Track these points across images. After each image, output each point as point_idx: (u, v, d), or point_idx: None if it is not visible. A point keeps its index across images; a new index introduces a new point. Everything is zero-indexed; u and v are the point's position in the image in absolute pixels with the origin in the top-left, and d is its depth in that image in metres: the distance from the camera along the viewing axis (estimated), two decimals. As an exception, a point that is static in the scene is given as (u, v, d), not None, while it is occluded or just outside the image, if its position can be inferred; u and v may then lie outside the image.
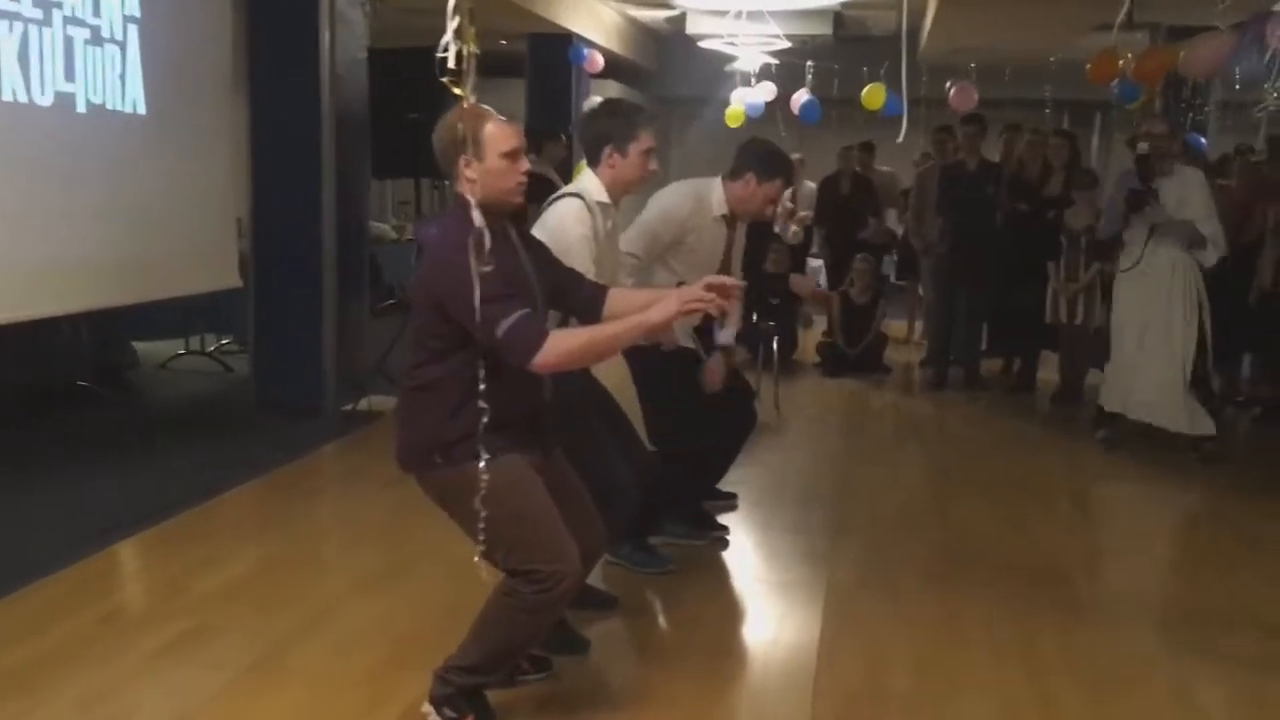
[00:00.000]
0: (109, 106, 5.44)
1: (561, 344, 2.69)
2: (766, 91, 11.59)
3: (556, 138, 7.80)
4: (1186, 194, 5.86)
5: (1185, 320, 5.89)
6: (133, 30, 5.58)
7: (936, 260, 8.52)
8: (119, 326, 7.46)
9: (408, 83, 6.59)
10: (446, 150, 2.76)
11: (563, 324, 3.08)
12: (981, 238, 8.01)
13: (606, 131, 3.50)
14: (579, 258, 3.26)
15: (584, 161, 3.67)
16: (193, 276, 6.21)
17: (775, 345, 7.93)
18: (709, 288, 2.77)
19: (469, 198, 2.72)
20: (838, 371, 8.71)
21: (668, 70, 14.84)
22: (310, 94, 6.46)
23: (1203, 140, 9.88)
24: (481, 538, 2.69)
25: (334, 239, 6.62)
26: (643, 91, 15.19)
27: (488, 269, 2.59)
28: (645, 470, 3.63)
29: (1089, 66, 8.04)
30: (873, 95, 10.32)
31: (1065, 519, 5.47)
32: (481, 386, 2.67)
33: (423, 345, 2.80)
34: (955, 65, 11.32)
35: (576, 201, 3.46)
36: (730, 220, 4.25)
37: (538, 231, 3.29)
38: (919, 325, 10.04)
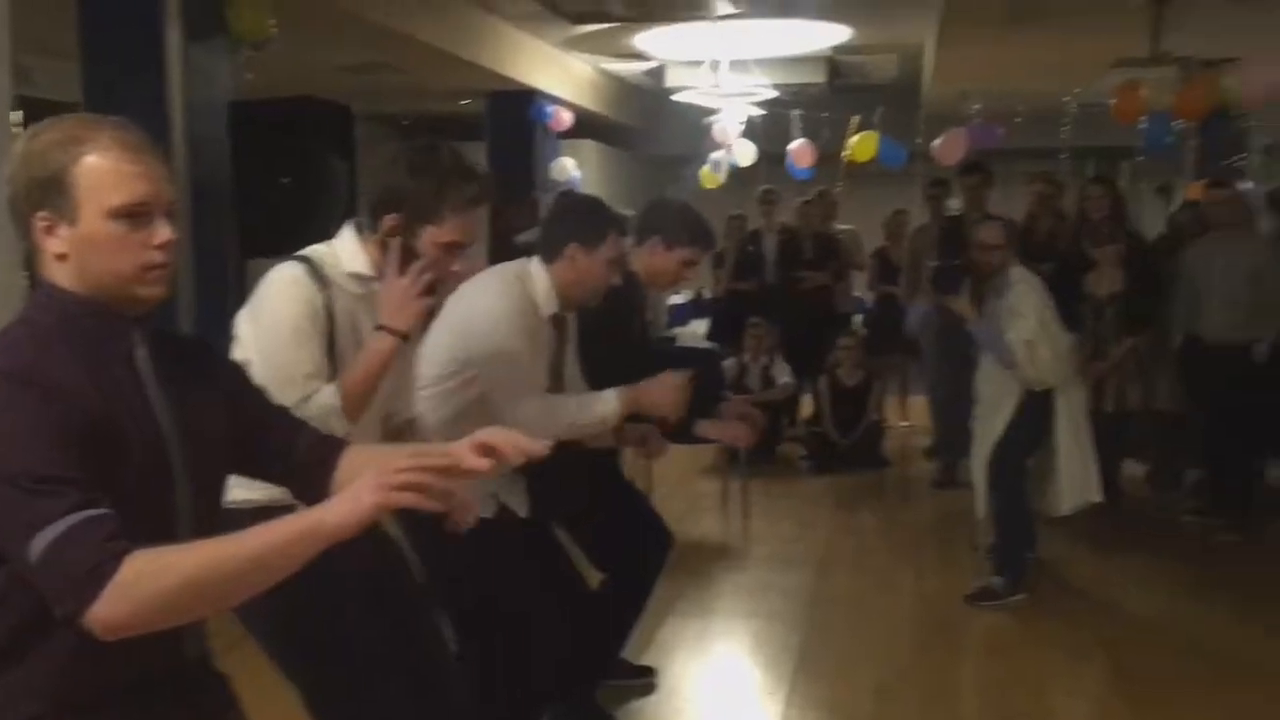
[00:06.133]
0: None
1: (144, 584, 1.45)
2: (748, 153, 10.50)
3: (520, 202, 6.72)
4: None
5: None
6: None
7: (938, 333, 7.25)
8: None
9: (284, 140, 5.48)
10: (16, 202, 1.59)
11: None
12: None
13: (577, 225, 2.98)
14: (283, 372, 2.06)
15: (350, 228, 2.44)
16: None
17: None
18: (479, 448, 1.61)
19: (57, 285, 1.61)
20: (827, 467, 7.42)
21: (653, 127, 13.77)
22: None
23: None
24: None
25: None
26: (624, 150, 14.14)
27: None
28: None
29: (1113, 103, 6.85)
30: (863, 146, 9.12)
31: None
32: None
33: None
34: (962, 114, 10.24)
35: (291, 269, 2.28)
36: (559, 321, 3.06)
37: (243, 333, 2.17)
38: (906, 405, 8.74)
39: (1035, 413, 4.76)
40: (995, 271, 4.82)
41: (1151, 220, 9.04)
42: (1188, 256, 6.11)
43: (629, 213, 4.06)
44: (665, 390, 2.92)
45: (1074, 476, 4.77)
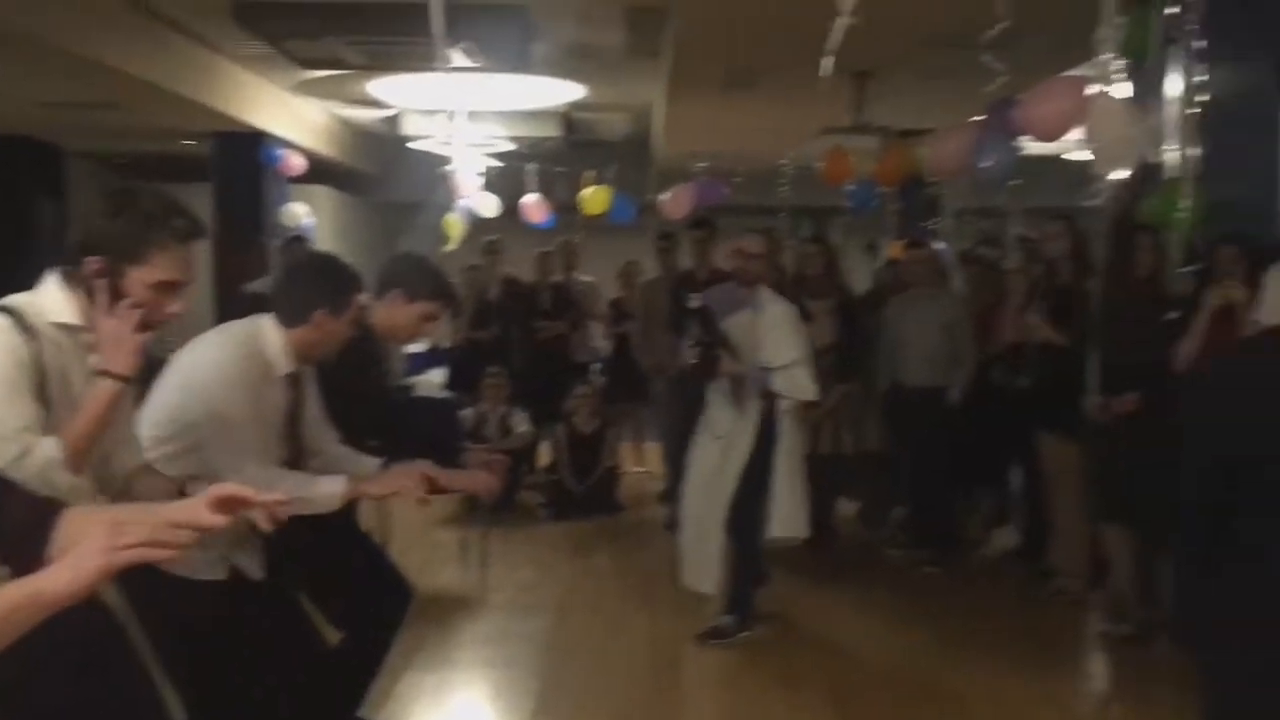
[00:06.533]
0: None
1: None
2: (490, 204, 10.56)
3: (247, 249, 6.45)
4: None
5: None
6: None
7: (671, 382, 7.53)
8: None
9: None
10: None
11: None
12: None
13: (321, 290, 2.94)
14: None
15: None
16: None
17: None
18: (216, 503, 1.58)
19: None
20: (565, 513, 7.54)
21: (389, 174, 13.62)
22: None
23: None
24: None
25: None
26: (359, 196, 13.94)
27: None
28: None
29: (822, 167, 7.41)
30: (596, 199, 9.40)
31: None
32: None
33: None
34: (689, 171, 10.73)
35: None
36: (294, 378, 3.01)
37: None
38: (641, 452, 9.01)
39: (768, 446, 4.98)
40: (753, 281, 5.05)
41: (860, 276, 9.74)
42: (889, 310, 6.66)
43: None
44: (398, 480, 2.90)
45: (784, 508, 5.01)
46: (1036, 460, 6.03)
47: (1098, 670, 5.05)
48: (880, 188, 8.52)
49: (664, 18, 7.01)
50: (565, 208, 10.86)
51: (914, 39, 6.59)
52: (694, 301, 5.09)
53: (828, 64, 3.72)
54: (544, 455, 8.29)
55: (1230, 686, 2.09)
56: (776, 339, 4.98)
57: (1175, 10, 4.42)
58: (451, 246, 9.40)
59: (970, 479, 6.91)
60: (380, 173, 13.61)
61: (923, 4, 5.67)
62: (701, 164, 10.24)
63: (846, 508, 7.07)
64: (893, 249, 8.62)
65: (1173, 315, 4.75)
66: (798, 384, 4.97)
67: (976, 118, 5.02)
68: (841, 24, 3.03)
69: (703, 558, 5.12)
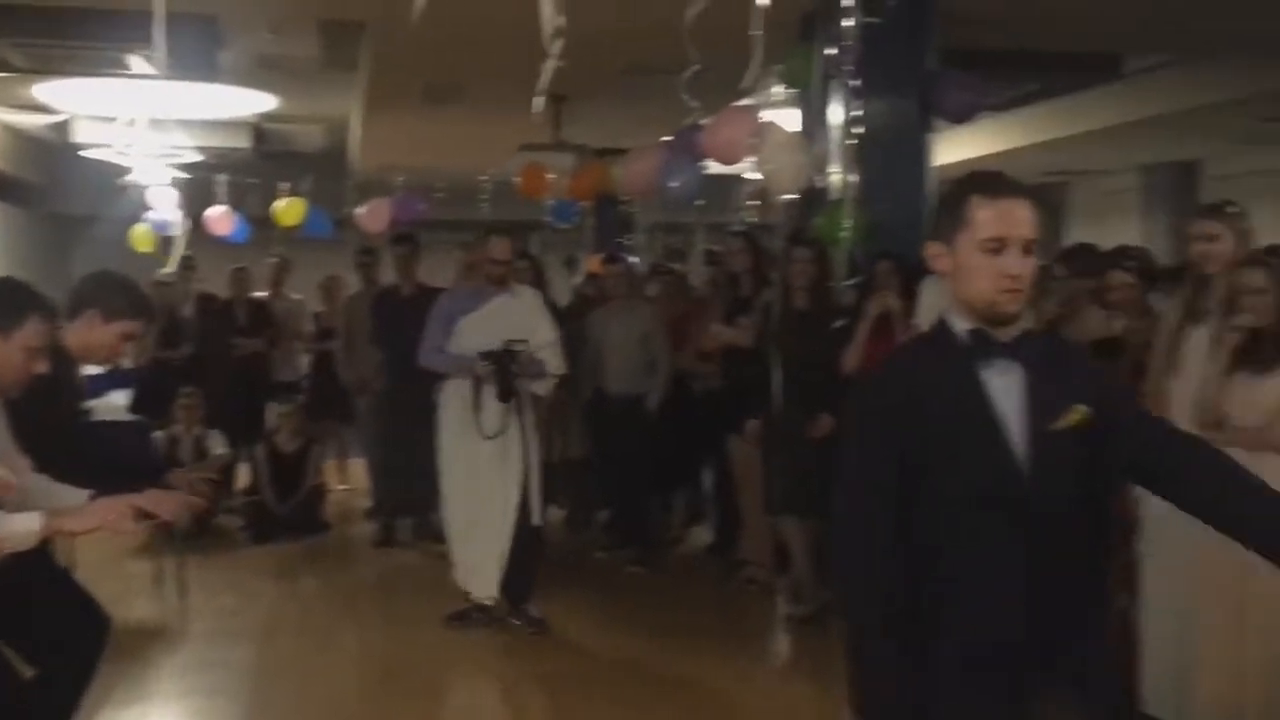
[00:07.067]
0: None
1: None
2: (174, 212, 10.05)
3: None
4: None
5: None
6: None
7: (375, 398, 7.50)
8: None
9: None
10: None
11: None
12: (423, 370, 7.15)
13: None
14: None
15: None
16: None
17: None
18: None
19: None
20: (268, 535, 7.32)
21: (58, 184, 12.66)
22: None
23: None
24: None
25: None
26: (22, 208, 12.87)
27: None
28: None
29: (518, 180, 7.63)
30: (290, 211, 9.19)
31: None
32: None
33: None
34: (389, 183, 10.68)
35: None
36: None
37: None
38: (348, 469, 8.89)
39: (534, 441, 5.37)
40: (503, 283, 5.32)
41: (559, 289, 10.03)
42: (591, 321, 6.94)
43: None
44: (103, 514, 2.76)
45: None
46: (727, 461, 6.48)
47: (782, 649, 5.50)
48: (579, 204, 8.83)
49: (360, 31, 6.99)
50: (260, 221, 10.51)
51: (612, 69, 6.92)
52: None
53: (538, 103, 3.89)
54: (242, 477, 8.02)
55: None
56: (538, 319, 5.36)
57: (833, 51, 4.90)
58: (170, 267, 8.86)
59: (668, 481, 7.31)
60: (48, 182, 12.63)
61: (619, 40, 5.97)
62: (400, 178, 10.22)
63: (555, 514, 7.28)
64: (592, 263, 8.95)
65: (839, 323, 5.27)
66: (557, 361, 5.36)
67: (665, 139, 5.36)
68: (550, 65, 3.20)
69: (485, 562, 5.25)
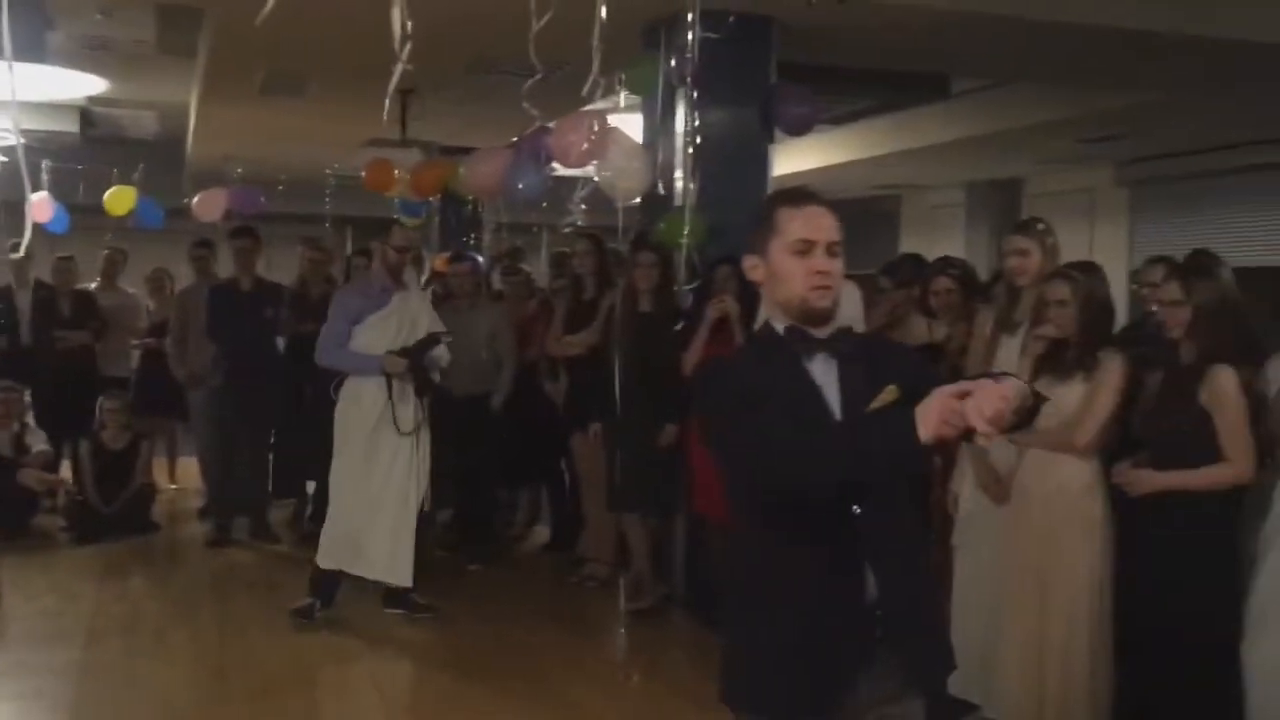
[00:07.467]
0: None
1: None
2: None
3: None
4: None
5: None
6: None
7: (209, 394, 7.31)
8: None
9: None
10: None
11: None
12: (261, 366, 7.03)
13: None
14: None
15: None
16: None
17: None
18: None
19: None
20: (92, 535, 7.03)
21: None
22: None
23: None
24: None
25: None
26: None
27: None
28: None
29: (364, 174, 7.55)
30: (118, 199, 8.85)
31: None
32: None
33: None
34: (227, 174, 10.37)
35: None
36: None
37: None
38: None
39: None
40: (400, 272, 5.43)
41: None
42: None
43: None
44: None
45: None
46: (570, 459, 6.55)
47: (621, 643, 5.61)
48: (423, 200, 8.77)
49: (198, 16, 6.79)
50: (87, 209, 10.06)
51: (456, 65, 6.90)
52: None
53: (389, 105, 3.88)
54: (65, 474, 7.68)
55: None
56: (431, 315, 5.51)
57: (674, 62, 5.02)
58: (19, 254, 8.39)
59: (511, 480, 7.34)
60: None
61: (465, 30, 5.96)
62: (239, 169, 9.94)
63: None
64: (437, 261, 8.90)
65: (680, 326, 5.41)
66: (446, 355, 5.47)
67: (511, 141, 5.40)
68: (399, 70, 3.21)
69: (398, 551, 5.32)
